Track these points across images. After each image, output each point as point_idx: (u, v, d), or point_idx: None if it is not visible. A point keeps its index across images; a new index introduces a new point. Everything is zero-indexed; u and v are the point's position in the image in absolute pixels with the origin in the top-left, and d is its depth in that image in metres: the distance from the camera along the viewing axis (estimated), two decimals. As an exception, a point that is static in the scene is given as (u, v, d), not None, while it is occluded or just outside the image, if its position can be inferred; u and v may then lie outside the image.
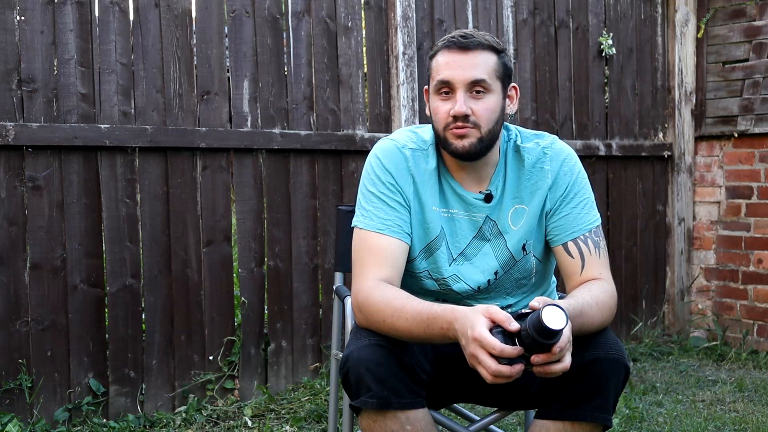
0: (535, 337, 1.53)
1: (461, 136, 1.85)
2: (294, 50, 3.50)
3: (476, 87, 1.84)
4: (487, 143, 1.88)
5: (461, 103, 1.83)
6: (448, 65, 1.84)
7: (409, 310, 1.72)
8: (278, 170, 3.47)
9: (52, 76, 2.96)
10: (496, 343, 1.54)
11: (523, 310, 1.60)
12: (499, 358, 1.56)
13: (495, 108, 1.87)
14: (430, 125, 2.02)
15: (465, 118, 1.83)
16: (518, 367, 1.56)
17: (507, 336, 1.57)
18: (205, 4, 3.30)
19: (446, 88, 1.85)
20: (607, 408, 1.79)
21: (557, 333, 1.52)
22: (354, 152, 3.62)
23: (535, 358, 1.56)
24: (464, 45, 1.84)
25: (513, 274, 1.98)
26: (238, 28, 3.37)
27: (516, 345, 1.55)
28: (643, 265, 4.66)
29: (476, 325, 1.57)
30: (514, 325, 1.56)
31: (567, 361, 1.59)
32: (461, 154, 1.87)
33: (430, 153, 1.95)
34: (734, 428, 3.19)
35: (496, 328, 1.58)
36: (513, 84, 1.94)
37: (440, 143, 1.91)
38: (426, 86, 1.95)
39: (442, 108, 1.86)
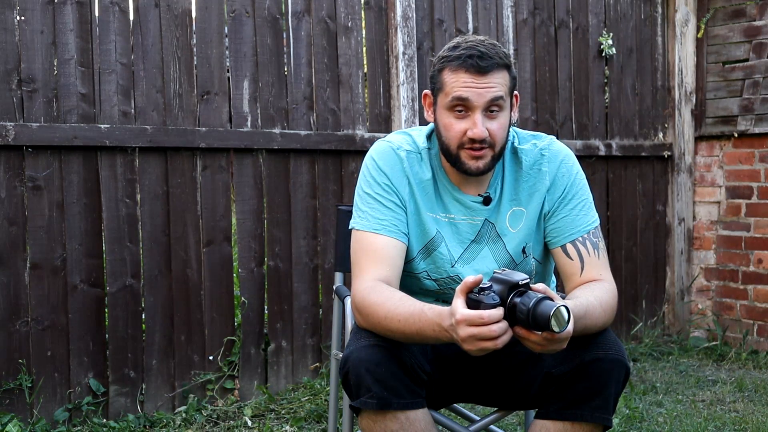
0: (530, 323, 1.55)
1: (477, 158, 1.85)
2: (294, 50, 3.50)
3: (492, 106, 1.83)
4: (498, 159, 1.89)
5: (481, 126, 1.81)
6: (466, 86, 1.81)
7: (402, 312, 1.71)
8: (278, 170, 3.47)
9: (52, 76, 2.96)
10: (478, 314, 1.55)
11: (532, 286, 1.60)
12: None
13: (507, 124, 1.88)
14: (424, 128, 2.01)
15: (482, 140, 1.83)
16: (505, 326, 1.57)
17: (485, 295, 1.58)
18: (205, 4, 3.30)
19: (462, 107, 1.83)
20: (607, 408, 1.79)
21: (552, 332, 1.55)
22: (354, 152, 3.62)
23: (519, 331, 1.58)
24: (483, 69, 1.80)
25: (513, 276, 1.97)
26: (238, 28, 3.37)
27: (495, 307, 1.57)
28: (643, 265, 4.66)
29: (456, 309, 1.58)
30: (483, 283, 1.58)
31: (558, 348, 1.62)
32: (474, 174, 1.88)
33: (425, 157, 1.95)
34: (734, 428, 3.19)
35: (474, 294, 1.59)
36: (515, 92, 1.93)
37: (449, 158, 1.89)
38: (426, 91, 1.93)
39: (456, 126, 1.84)
